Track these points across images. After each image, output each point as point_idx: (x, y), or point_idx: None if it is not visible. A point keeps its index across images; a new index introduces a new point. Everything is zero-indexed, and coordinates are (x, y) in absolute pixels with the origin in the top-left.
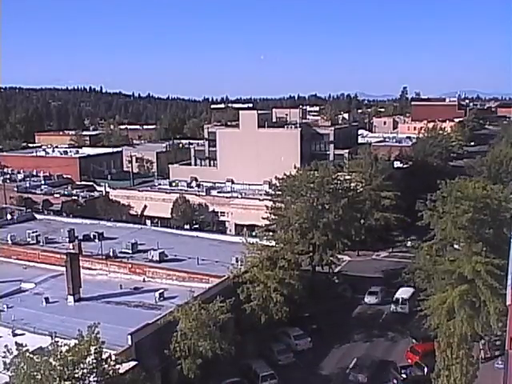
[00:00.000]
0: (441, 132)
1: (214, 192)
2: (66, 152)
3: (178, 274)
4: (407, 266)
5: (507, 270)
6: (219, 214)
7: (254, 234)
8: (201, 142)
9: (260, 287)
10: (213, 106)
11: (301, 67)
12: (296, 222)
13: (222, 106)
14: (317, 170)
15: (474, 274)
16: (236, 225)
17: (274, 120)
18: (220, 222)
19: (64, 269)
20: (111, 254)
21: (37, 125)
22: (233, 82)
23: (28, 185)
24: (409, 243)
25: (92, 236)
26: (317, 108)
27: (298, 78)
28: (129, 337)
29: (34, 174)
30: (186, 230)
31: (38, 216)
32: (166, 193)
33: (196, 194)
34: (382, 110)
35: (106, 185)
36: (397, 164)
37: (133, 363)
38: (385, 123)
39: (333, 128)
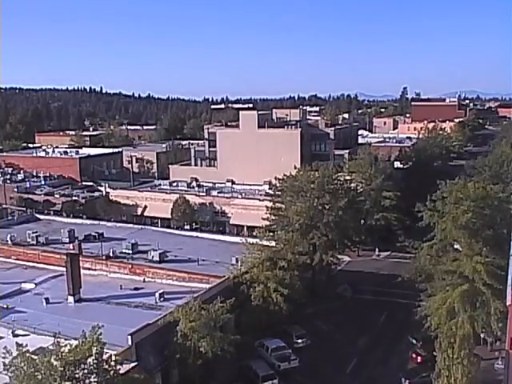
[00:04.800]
0: (441, 132)
1: (214, 192)
2: (66, 152)
3: (179, 275)
4: (407, 266)
5: (507, 270)
6: (219, 215)
7: (254, 234)
8: (201, 142)
9: (260, 287)
10: (213, 107)
11: (301, 67)
12: (296, 222)
13: (222, 106)
14: (317, 171)
15: (475, 274)
16: (236, 225)
17: (275, 120)
18: (220, 223)
19: (64, 269)
20: (111, 254)
21: (37, 125)
22: (233, 83)
23: (28, 185)
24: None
25: (92, 236)
26: (317, 108)
27: (298, 79)
28: (129, 337)
29: (34, 174)
30: (186, 230)
31: (40, 216)
32: (167, 193)
33: (196, 195)
34: (383, 110)
35: (107, 185)
36: (397, 164)
37: (133, 364)
38: (385, 123)
39: (333, 128)
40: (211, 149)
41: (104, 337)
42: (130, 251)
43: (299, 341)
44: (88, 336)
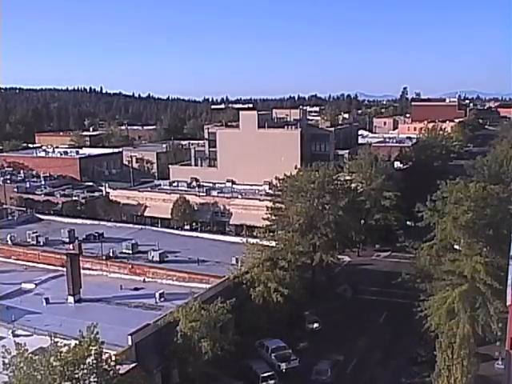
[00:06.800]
0: (441, 132)
1: (214, 192)
2: (66, 152)
3: (179, 275)
4: (407, 266)
5: (507, 270)
6: (219, 215)
7: (254, 234)
8: (201, 142)
9: (260, 288)
10: (213, 107)
11: (301, 68)
12: (296, 222)
13: (223, 106)
14: (317, 171)
15: (475, 274)
16: (236, 225)
17: (275, 120)
18: (220, 223)
19: (64, 269)
20: (111, 254)
21: (37, 125)
22: (233, 83)
23: (28, 185)
24: None
25: (92, 236)
26: (317, 108)
27: (298, 79)
28: (129, 337)
29: (35, 174)
30: (186, 230)
31: (40, 217)
32: (167, 193)
33: (196, 195)
34: (383, 110)
35: (107, 185)
36: (397, 164)
37: (133, 364)
38: (385, 123)
39: (333, 128)
40: (211, 149)
41: (104, 337)
42: (130, 251)
43: (315, 325)
44: (85, 335)
